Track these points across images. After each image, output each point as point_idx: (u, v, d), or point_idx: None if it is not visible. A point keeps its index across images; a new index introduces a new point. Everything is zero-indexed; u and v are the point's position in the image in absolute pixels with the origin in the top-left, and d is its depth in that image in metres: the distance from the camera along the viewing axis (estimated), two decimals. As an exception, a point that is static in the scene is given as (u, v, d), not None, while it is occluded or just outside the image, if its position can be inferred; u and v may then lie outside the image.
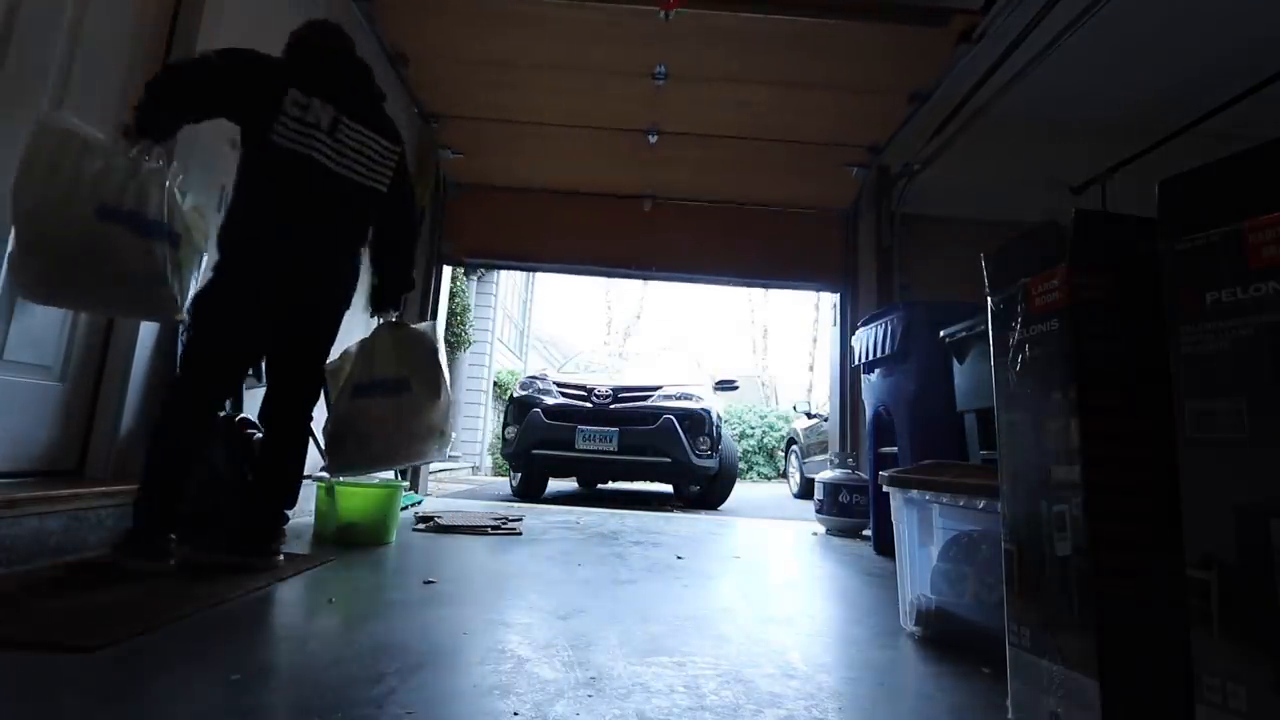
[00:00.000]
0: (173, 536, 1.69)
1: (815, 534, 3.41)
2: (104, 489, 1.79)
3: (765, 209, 4.69)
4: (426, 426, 2.06)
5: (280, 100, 1.76)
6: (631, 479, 5.77)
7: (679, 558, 2.40)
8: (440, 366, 2.14)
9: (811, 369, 18.36)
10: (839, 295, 4.66)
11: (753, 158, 4.23)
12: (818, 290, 5.15)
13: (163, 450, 1.69)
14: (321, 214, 1.85)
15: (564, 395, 4.93)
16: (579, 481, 6.79)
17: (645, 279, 5.25)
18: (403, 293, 2.20)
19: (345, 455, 2.02)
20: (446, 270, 4.69)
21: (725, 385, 5.82)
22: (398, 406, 2.02)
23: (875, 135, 3.98)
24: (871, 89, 3.50)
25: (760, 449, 12.59)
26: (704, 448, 4.71)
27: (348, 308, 2.03)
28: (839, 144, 4.07)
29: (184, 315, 1.77)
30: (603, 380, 5.18)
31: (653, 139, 4.08)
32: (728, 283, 5.01)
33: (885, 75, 3.38)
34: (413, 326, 2.18)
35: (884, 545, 2.69)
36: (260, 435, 2.21)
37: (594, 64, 3.44)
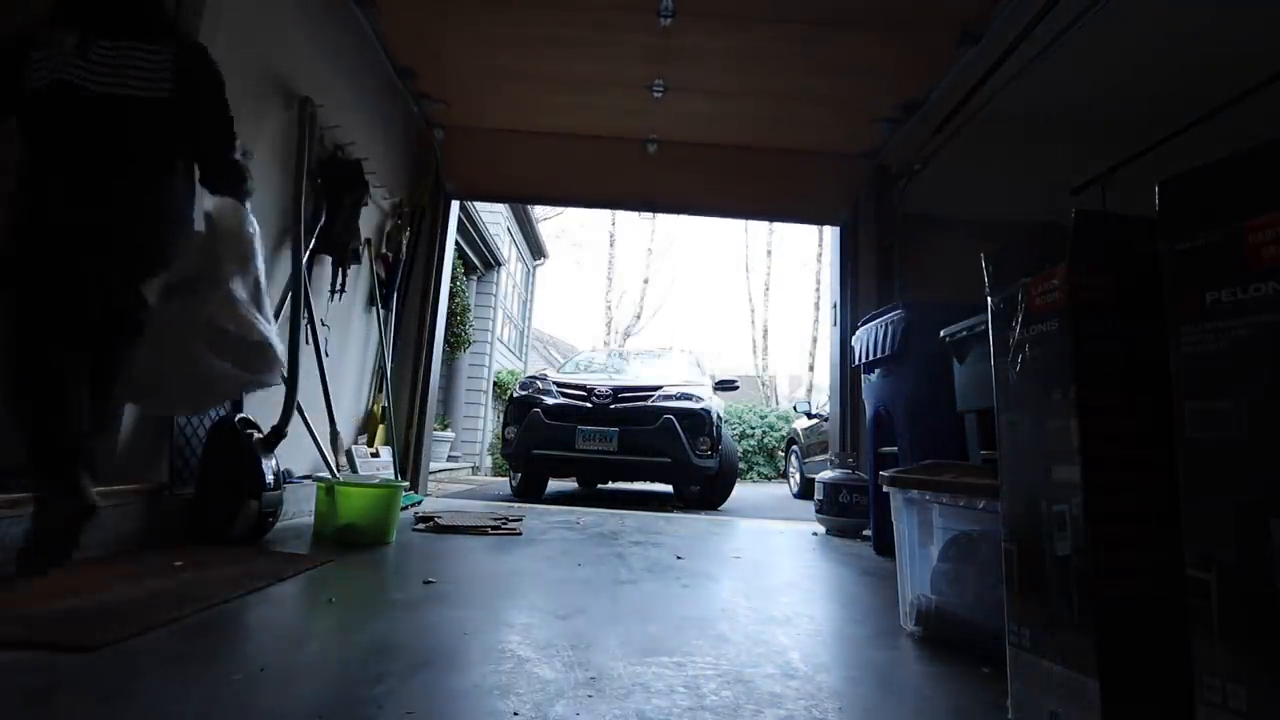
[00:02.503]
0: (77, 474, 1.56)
1: (815, 534, 3.41)
2: (104, 489, 1.79)
3: (778, 152, 4.41)
4: (207, 326, 1.71)
5: (27, 49, 1.66)
6: (631, 479, 5.77)
7: (679, 558, 2.40)
8: (225, 249, 1.79)
9: (812, 369, 18.35)
10: (839, 230, 4.67)
11: (769, 112, 3.91)
12: (819, 225, 5.09)
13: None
14: (84, 142, 1.65)
15: (564, 395, 4.93)
16: (579, 481, 6.79)
17: (651, 212, 5.14)
18: (221, 171, 1.88)
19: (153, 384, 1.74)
20: (454, 207, 4.64)
21: (725, 385, 5.82)
22: (193, 306, 1.74)
23: (915, 86, 3.48)
24: (914, 26, 3.01)
25: (760, 449, 12.57)
26: (704, 448, 4.71)
27: (162, 266, 1.75)
28: (869, 97, 3.65)
29: None
30: (603, 380, 5.18)
31: (658, 93, 3.70)
32: (732, 216, 4.98)
33: (933, 8, 2.91)
34: (215, 205, 1.86)
35: (884, 545, 2.69)
36: (259, 435, 2.22)
37: (590, 2, 3.06)
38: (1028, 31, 2.75)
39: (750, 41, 3.24)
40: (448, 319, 4.78)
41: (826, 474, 3.53)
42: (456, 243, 5.36)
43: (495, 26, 3.24)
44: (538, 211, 13.03)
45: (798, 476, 8.23)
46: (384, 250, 3.91)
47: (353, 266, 3.34)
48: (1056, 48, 2.72)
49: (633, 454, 4.64)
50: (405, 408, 4.23)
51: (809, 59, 3.35)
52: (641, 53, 3.38)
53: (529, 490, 5.27)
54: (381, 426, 3.81)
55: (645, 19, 3.05)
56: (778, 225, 19.75)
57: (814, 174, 4.51)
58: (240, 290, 1.78)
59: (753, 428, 12.75)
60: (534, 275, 13.12)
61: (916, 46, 3.16)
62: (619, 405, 4.82)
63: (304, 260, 2.73)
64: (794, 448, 8.50)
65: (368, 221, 3.60)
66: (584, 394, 4.91)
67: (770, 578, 2.19)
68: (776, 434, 12.48)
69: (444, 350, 4.91)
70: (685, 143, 4.38)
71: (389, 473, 3.54)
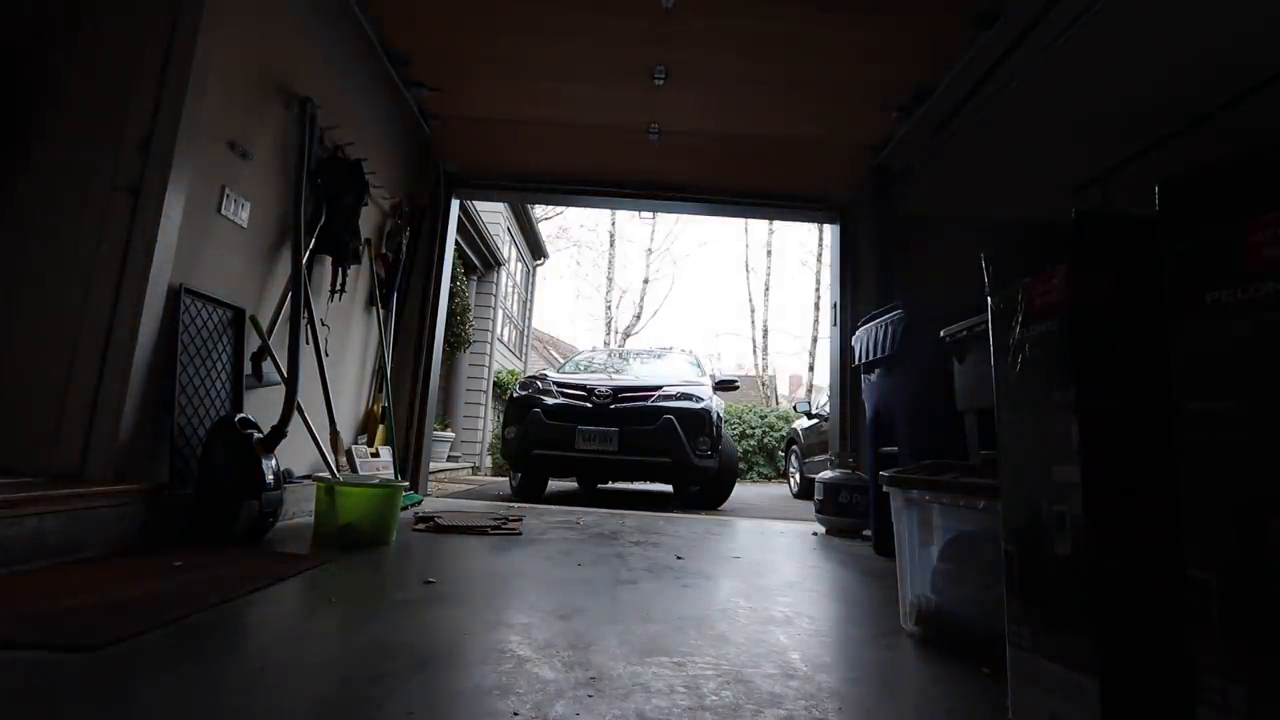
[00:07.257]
0: None
1: (815, 534, 3.41)
2: (104, 489, 1.80)
3: (783, 142, 4.28)
4: None
5: None
6: (632, 479, 5.77)
7: (679, 558, 2.40)
8: None
9: (812, 369, 18.37)
10: (839, 229, 4.74)
11: (775, 100, 3.79)
12: (821, 222, 5.17)
13: None
14: None
15: (564, 395, 4.93)
16: (578, 481, 6.79)
17: (651, 202, 5.08)
18: None
19: None
20: (454, 206, 4.67)
21: (725, 385, 5.82)
22: None
23: (926, 71, 3.37)
24: (929, 7, 2.95)
25: (760, 449, 12.58)
26: (704, 447, 4.71)
27: None
28: (880, 83, 3.54)
29: None
30: (603, 380, 5.19)
31: (659, 80, 3.59)
32: (734, 210, 5.07)
33: None
34: None
35: (884, 545, 2.69)
36: (259, 435, 2.22)
37: None
38: (1041, 15, 2.72)
39: (756, 25, 3.14)
40: (448, 319, 4.79)
41: (826, 474, 3.53)
42: (456, 243, 5.36)
43: (491, 11, 3.17)
44: (538, 211, 13.06)
45: (798, 476, 8.23)
46: (384, 250, 3.91)
47: (353, 266, 3.34)
48: (1063, 41, 2.71)
49: (633, 454, 4.65)
50: (405, 408, 4.23)
51: (818, 43, 3.25)
52: (642, 37, 3.28)
53: (529, 490, 5.27)
54: (381, 426, 3.81)
55: (646, 4, 2.98)
56: (779, 225, 19.80)
57: (818, 167, 4.47)
58: None
59: (753, 428, 12.76)
60: (534, 275, 13.12)
61: (930, 29, 3.09)
62: (619, 405, 4.82)
63: (304, 260, 2.73)
64: (794, 448, 8.51)
65: (368, 221, 3.60)
66: (584, 394, 4.91)
67: (770, 578, 2.19)
68: (776, 434, 12.49)
69: (444, 350, 4.91)
70: (687, 131, 4.24)
71: (389, 473, 3.53)
